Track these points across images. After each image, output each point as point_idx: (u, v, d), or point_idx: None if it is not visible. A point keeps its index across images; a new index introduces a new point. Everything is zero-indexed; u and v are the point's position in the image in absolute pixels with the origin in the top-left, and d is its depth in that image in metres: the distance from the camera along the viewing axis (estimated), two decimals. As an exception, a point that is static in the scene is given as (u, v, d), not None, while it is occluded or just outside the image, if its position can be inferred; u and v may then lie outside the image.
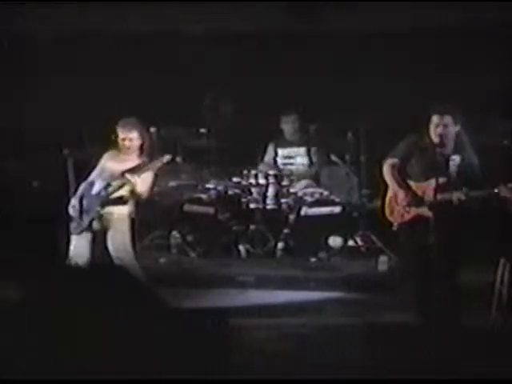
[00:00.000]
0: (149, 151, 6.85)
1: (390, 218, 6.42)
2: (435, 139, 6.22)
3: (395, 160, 6.40)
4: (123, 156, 6.83)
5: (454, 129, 6.22)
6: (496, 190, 6.02)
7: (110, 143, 6.88)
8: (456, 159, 6.20)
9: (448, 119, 6.19)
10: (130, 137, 6.75)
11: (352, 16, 9.69)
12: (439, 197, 6.12)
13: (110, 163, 6.86)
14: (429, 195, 6.18)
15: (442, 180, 6.14)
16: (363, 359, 5.11)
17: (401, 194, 6.30)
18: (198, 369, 3.87)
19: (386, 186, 6.51)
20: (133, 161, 6.81)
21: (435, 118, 6.22)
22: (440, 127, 6.19)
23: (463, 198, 6.05)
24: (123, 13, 9.67)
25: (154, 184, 6.88)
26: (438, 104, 6.35)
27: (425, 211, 6.17)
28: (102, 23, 9.76)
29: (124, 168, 6.76)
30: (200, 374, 3.92)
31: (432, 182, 6.18)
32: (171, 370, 3.84)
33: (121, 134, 6.77)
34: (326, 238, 8.43)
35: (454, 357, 4.87)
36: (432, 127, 6.23)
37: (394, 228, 6.39)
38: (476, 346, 4.97)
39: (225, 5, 9.52)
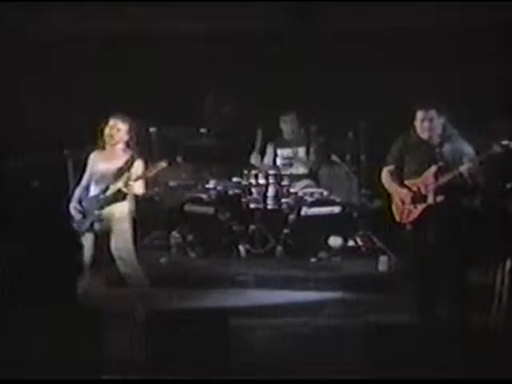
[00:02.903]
0: (134, 146, 6.86)
1: (400, 220, 6.42)
2: (423, 135, 6.26)
3: (391, 167, 6.45)
4: (109, 152, 6.82)
5: (439, 121, 6.25)
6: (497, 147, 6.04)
7: (98, 140, 6.90)
8: (447, 148, 6.24)
9: (432, 113, 6.24)
10: (115, 131, 6.77)
11: (351, 16, 9.69)
12: (447, 177, 6.14)
13: (99, 165, 6.86)
14: (430, 183, 6.20)
15: (439, 165, 6.17)
16: (363, 359, 5.11)
17: (404, 194, 6.32)
18: (197, 369, 3.88)
19: (389, 194, 6.52)
20: (120, 158, 6.81)
21: (420, 114, 6.26)
22: (426, 121, 6.24)
23: (473, 165, 6.07)
24: (123, 13, 9.66)
25: (148, 184, 6.92)
26: (421, 100, 6.38)
27: (430, 201, 6.19)
28: (102, 23, 9.76)
29: (114, 167, 6.76)
30: (200, 374, 3.92)
31: (430, 171, 6.21)
32: (171, 369, 3.85)
33: (106, 129, 6.81)
34: (326, 238, 8.42)
35: (454, 357, 4.87)
36: (418, 123, 6.28)
37: (407, 229, 6.38)
38: (476, 346, 4.97)
39: (225, 5, 9.52)
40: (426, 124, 6.24)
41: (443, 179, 6.16)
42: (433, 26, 9.61)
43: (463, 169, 6.12)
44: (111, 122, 6.81)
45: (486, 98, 9.15)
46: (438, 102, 6.35)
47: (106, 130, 6.81)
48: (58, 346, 5.70)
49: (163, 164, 6.78)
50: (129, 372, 4.31)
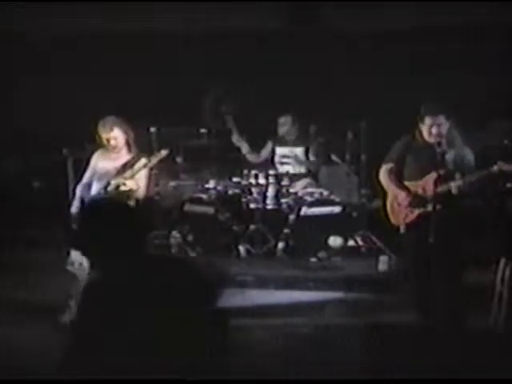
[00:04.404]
0: (136, 145, 6.86)
1: (395, 222, 6.41)
2: (430, 139, 6.23)
3: (390, 165, 6.43)
4: (113, 154, 6.84)
5: (446, 126, 6.23)
6: (495, 167, 6.04)
7: (99, 143, 6.88)
8: (450, 153, 6.22)
9: (441, 118, 6.21)
10: (113, 136, 6.77)
11: (352, 16, 9.70)
12: (439, 189, 6.13)
13: (101, 162, 6.87)
14: (429, 190, 6.19)
15: (440, 173, 6.15)
16: (363, 359, 5.11)
17: (401, 196, 6.31)
18: (198, 369, 3.87)
19: (385, 192, 6.51)
20: (123, 157, 6.82)
21: (429, 119, 6.22)
22: (434, 127, 6.20)
23: (462, 183, 6.07)
24: (123, 13, 9.67)
25: (150, 180, 6.91)
26: (429, 104, 6.34)
27: (428, 208, 6.18)
28: (102, 23, 9.77)
29: (117, 165, 6.77)
30: (200, 374, 3.91)
31: (431, 177, 6.20)
32: (171, 369, 3.84)
33: (103, 135, 6.79)
34: (326, 238, 8.42)
35: (454, 357, 4.87)
36: (425, 128, 6.23)
37: (402, 231, 6.37)
38: (476, 346, 4.97)
39: (225, 5, 9.52)
40: (434, 129, 6.19)
41: (438, 189, 6.15)
42: (433, 27, 9.62)
43: (452, 185, 6.11)
44: (105, 135, 6.78)
45: (488, 99, 9.16)
46: (446, 106, 6.31)
47: (105, 142, 6.79)
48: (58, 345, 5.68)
49: (164, 153, 6.79)
50: (129, 372, 4.31)
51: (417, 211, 6.26)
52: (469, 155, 6.27)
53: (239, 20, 9.74)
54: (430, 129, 6.21)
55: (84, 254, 3.91)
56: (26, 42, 9.77)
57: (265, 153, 9.19)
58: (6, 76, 9.48)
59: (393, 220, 6.45)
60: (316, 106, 9.26)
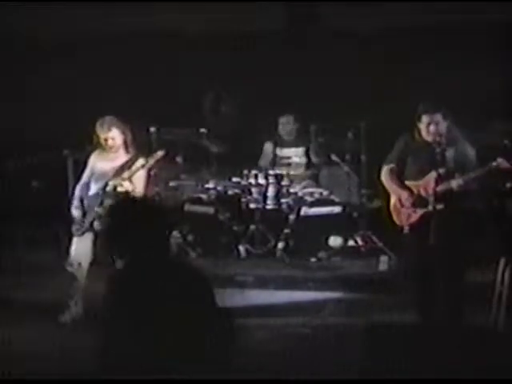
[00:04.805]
0: (134, 145, 6.85)
1: (398, 222, 6.41)
2: (428, 138, 6.22)
3: (391, 165, 6.42)
4: (110, 154, 6.83)
5: (444, 124, 6.22)
6: (495, 164, 6.05)
7: (97, 143, 6.87)
8: (450, 152, 6.21)
9: (438, 116, 6.20)
10: (111, 136, 6.75)
11: (352, 16, 9.70)
12: (439, 188, 6.13)
13: (99, 163, 6.85)
14: (430, 189, 6.18)
15: (440, 172, 6.15)
16: (363, 359, 5.10)
17: (404, 196, 6.30)
18: (198, 369, 3.87)
19: (387, 193, 6.51)
20: (121, 157, 6.81)
21: (426, 118, 6.21)
22: (432, 125, 6.20)
23: (462, 181, 6.07)
24: (123, 13, 9.67)
25: (149, 180, 6.91)
26: (426, 103, 6.34)
27: (430, 208, 6.17)
28: (102, 23, 9.77)
29: (115, 165, 6.76)
30: (200, 374, 3.91)
31: (431, 176, 6.19)
32: (171, 369, 3.84)
33: (101, 135, 6.77)
34: (326, 238, 8.42)
35: (454, 357, 4.87)
36: (423, 126, 6.23)
37: (405, 231, 6.36)
38: (476, 346, 4.97)
39: (225, 5, 9.52)
40: (432, 128, 6.19)
41: (439, 188, 6.15)
42: (433, 26, 9.61)
43: (454, 184, 6.12)
44: (103, 135, 6.76)
45: (488, 99, 9.15)
46: (443, 104, 6.31)
47: (102, 142, 6.78)
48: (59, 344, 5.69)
49: (161, 153, 6.78)
50: (129, 372, 4.30)
51: (420, 211, 6.25)
52: (470, 152, 6.26)
53: (239, 20, 9.74)
54: (427, 127, 6.20)
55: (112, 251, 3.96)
56: (26, 42, 9.76)
57: (266, 157, 9.19)
58: (6, 76, 9.47)
59: (396, 220, 6.44)
60: (316, 106, 9.26)
